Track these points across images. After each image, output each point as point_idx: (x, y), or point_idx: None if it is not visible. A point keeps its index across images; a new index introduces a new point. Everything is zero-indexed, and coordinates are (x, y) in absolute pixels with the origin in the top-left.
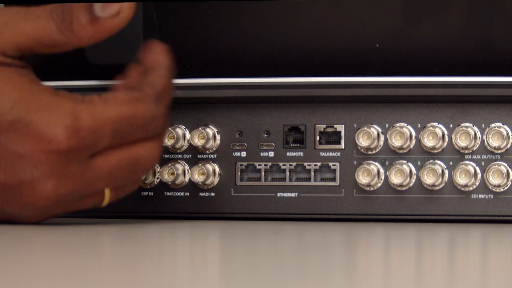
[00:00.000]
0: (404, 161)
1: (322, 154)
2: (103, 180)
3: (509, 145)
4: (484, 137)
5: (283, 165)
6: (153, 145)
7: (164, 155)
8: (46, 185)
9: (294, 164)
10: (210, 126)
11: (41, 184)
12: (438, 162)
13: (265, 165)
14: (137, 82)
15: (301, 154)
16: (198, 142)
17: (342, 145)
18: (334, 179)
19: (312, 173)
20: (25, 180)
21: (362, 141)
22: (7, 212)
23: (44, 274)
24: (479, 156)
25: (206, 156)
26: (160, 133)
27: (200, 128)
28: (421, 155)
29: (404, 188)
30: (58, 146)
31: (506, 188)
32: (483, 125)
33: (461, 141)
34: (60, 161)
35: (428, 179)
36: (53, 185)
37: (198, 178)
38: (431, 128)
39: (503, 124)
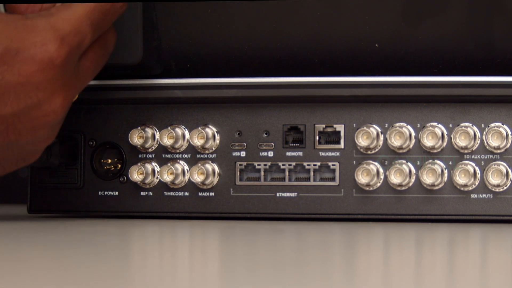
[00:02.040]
0: (404, 161)
1: (322, 154)
2: (90, 75)
3: (508, 145)
4: (484, 137)
5: (283, 165)
6: (112, 28)
7: (163, 155)
8: (54, 102)
9: (293, 164)
10: (210, 126)
11: (49, 102)
12: (438, 162)
13: (265, 165)
14: None
15: (301, 154)
16: (197, 142)
17: (342, 145)
18: (333, 179)
19: (312, 173)
20: (32, 104)
21: (362, 141)
22: (20, 144)
23: (42, 272)
24: (478, 156)
25: (206, 156)
26: (123, 10)
27: (199, 128)
28: (421, 155)
29: (403, 188)
30: (53, 62)
31: (505, 188)
32: (483, 125)
33: (460, 141)
34: (58, 74)
35: (427, 179)
36: (60, 100)
37: (197, 178)
38: (430, 128)
39: (503, 124)
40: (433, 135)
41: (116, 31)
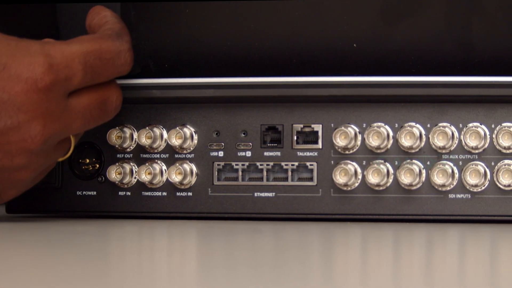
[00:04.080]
0: (382, 161)
1: (300, 154)
2: (79, 120)
3: (486, 145)
4: (462, 137)
5: (260, 164)
6: (117, 87)
7: (141, 154)
8: (33, 126)
9: (271, 164)
10: (188, 126)
11: (28, 126)
12: (415, 161)
13: (242, 164)
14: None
15: (279, 153)
16: (175, 142)
17: (320, 145)
18: (311, 179)
19: (290, 173)
20: (12, 125)
21: (340, 141)
22: None
23: (19, 272)
24: (456, 156)
25: (184, 156)
26: (129, 70)
27: (177, 128)
28: (399, 155)
29: (381, 188)
30: (37, 84)
31: (483, 188)
32: (461, 125)
33: (438, 141)
34: (41, 99)
35: (405, 179)
36: (39, 126)
37: (175, 178)
38: (408, 128)
39: (481, 124)
40: (411, 135)
41: (121, 100)
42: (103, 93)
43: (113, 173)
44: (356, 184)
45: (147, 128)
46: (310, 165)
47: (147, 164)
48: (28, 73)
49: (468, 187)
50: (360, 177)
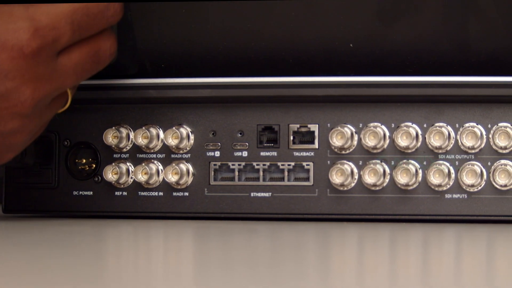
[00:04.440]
0: (378, 161)
1: (296, 154)
2: (71, 77)
3: (483, 145)
4: (458, 136)
5: (257, 165)
6: (109, 36)
7: (137, 154)
8: (22, 92)
9: (267, 164)
10: (184, 126)
11: (18, 92)
12: (412, 161)
13: (239, 164)
14: None
15: (275, 154)
16: (172, 142)
17: (316, 145)
18: (307, 179)
19: (286, 173)
20: (1, 92)
21: (336, 141)
22: None
23: (16, 272)
24: (452, 156)
25: (180, 156)
26: (118, 20)
27: (174, 127)
28: (395, 155)
29: (377, 188)
30: (23, 50)
31: (479, 188)
32: (457, 125)
33: (434, 141)
34: (29, 64)
35: (401, 179)
36: (29, 90)
37: (171, 178)
38: (404, 127)
39: (477, 124)
40: (407, 135)
41: (115, 41)
42: (94, 44)
43: (110, 173)
44: (353, 184)
45: (143, 128)
46: (307, 165)
47: (143, 164)
48: (14, 40)
49: (464, 187)
50: (356, 177)
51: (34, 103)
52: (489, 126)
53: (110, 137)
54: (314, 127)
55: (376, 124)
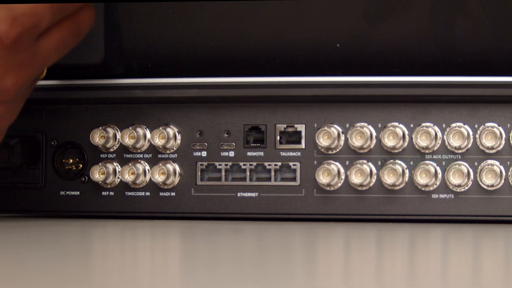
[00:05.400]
0: (365, 161)
1: (283, 154)
2: (53, 56)
3: (469, 145)
4: (445, 137)
5: (244, 165)
6: (87, 6)
7: (124, 154)
8: (4, 81)
9: (254, 164)
10: (171, 126)
11: (1, 81)
12: (399, 161)
13: (226, 164)
14: None
15: (262, 154)
16: (158, 142)
17: (303, 145)
18: (294, 179)
19: (273, 173)
20: None
21: (323, 141)
22: None
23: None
24: (439, 156)
25: (167, 156)
26: None
27: (160, 128)
28: (382, 155)
29: (364, 188)
30: (3, 41)
31: (466, 188)
32: (444, 125)
33: (421, 141)
34: (10, 53)
35: (388, 179)
36: (11, 78)
37: (158, 178)
38: (391, 128)
39: (464, 124)
40: (394, 135)
41: (94, 10)
42: (74, 19)
43: (97, 173)
44: (339, 184)
45: (130, 128)
46: (293, 165)
47: (130, 164)
48: None
49: (451, 187)
50: (343, 177)
51: (17, 88)
52: (476, 126)
53: (97, 137)
54: (301, 127)
55: (363, 124)
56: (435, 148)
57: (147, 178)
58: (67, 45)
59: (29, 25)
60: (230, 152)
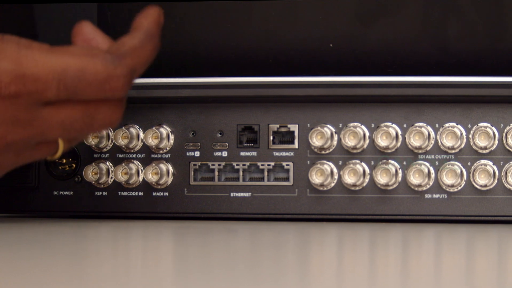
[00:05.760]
0: (358, 161)
1: (276, 154)
2: (56, 130)
3: (463, 145)
4: (438, 137)
5: (237, 165)
6: (113, 106)
7: (118, 154)
8: None
9: (247, 164)
10: (164, 126)
11: None
12: (392, 161)
13: (219, 165)
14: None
15: (255, 154)
16: (151, 141)
17: (296, 145)
18: (287, 179)
19: (266, 173)
20: None
21: (316, 141)
22: None
23: None
24: (432, 156)
25: (160, 156)
26: (121, 96)
27: (154, 128)
28: (375, 155)
29: (357, 188)
30: (0, 91)
31: (459, 188)
32: (437, 125)
33: (414, 141)
34: (5, 106)
35: (381, 178)
36: (1, 130)
37: (151, 177)
38: (384, 128)
39: (457, 124)
40: (387, 135)
41: (118, 117)
42: (91, 108)
43: (90, 173)
44: (332, 184)
45: (123, 128)
46: (286, 165)
47: (123, 164)
48: None
49: (444, 187)
50: (336, 177)
51: (4, 142)
52: (469, 126)
53: (90, 137)
54: (294, 127)
55: (356, 124)
56: (428, 148)
57: (140, 178)
58: (75, 127)
59: (31, 89)
60: (223, 152)
